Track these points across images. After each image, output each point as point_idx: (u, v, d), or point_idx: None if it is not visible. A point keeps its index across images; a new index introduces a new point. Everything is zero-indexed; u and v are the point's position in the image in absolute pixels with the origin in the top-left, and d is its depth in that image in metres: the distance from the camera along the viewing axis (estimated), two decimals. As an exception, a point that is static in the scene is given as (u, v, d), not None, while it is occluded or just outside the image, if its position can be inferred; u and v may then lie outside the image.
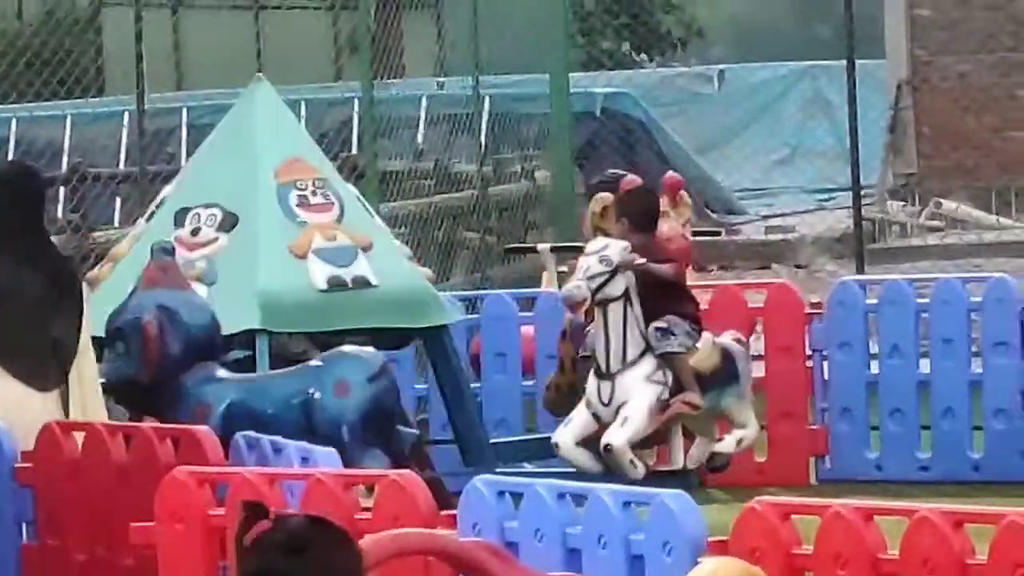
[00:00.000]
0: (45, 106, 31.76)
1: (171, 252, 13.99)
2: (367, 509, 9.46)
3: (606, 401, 13.71)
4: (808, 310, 16.70)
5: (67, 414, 11.96)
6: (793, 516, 8.44)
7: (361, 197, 15.45)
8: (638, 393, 13.90)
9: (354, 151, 27.51)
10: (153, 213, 15.58)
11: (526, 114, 27.17)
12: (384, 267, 14.59)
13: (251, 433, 11.56)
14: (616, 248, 14.33)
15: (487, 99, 25.67)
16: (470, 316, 16.90)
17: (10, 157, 29.02)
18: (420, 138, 29.14)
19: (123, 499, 10.67)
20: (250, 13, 35.96)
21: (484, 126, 25.67)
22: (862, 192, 24.83)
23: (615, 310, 14.21)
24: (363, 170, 21.23)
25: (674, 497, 8.71)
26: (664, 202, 14.67)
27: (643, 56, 42.52)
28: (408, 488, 9.37)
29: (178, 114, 27.91)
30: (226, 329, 14.34)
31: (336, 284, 14.23)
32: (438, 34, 32.83)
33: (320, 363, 13.31)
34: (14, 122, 31.15)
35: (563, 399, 15.07)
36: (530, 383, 17.02)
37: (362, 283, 14.32)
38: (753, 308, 15.95)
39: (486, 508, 9.01)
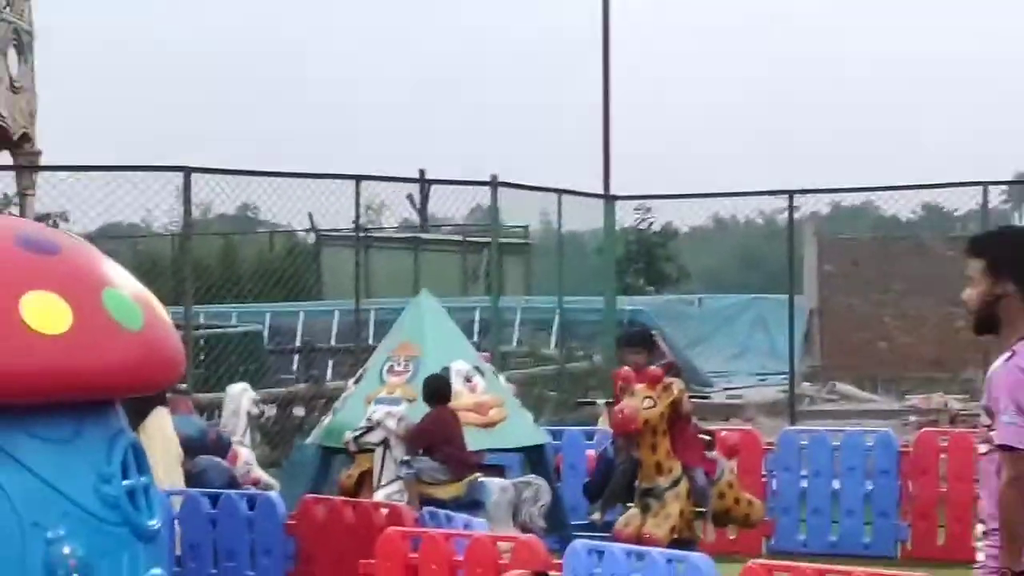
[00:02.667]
0: (286, 306, 31.95)
1: (180, 391, 14.17)
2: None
3: None
4: (764, 446, 16.73)
5: None
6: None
7: (476, 368, 15.20)
8: None
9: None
10: (359, 377, 15.64)
11: (587, 320, 27.39)
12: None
13: (434, 509, 11.62)
14: (380, 411, 13.93)
15: (560, 311, 25.89)
16: (556, 442, 16.68)
17: (266, 339, 29.05)
18: (518, 334, 29.36)
19: (354, 545, 10.71)
20: (412, 251, 35.94)
21: (560, 327, 25.88)
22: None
23: (377, 451, 13.76)
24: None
25: (699, 558, 8.75)
26: (643, 388, 13.33)
27: (652, 288, 42.54)
28: (532, 546, 9.40)
29: (370, 312, 27.76)
30: (314, 441, 15.34)
31: (372, 420, 14.02)
32: (527, 270, 32.99)
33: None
34: (268, 315, 31.27)
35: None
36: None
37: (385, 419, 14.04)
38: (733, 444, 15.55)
39: (581, 561, 9.01)
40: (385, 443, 13.80)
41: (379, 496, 13.12)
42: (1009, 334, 6.98)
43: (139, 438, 11.57)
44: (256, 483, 14.91)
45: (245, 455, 15.32)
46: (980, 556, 7.17)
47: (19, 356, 9.15)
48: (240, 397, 15.42)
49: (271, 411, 16.54)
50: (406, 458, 13.73)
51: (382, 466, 13.78)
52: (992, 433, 6.95)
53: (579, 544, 9.28)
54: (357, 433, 13.97)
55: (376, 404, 14.23)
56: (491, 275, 23.63)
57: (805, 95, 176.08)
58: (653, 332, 16.44)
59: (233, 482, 14.17)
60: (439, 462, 13.81)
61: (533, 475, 14.69)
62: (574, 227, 25.06)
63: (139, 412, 12.36)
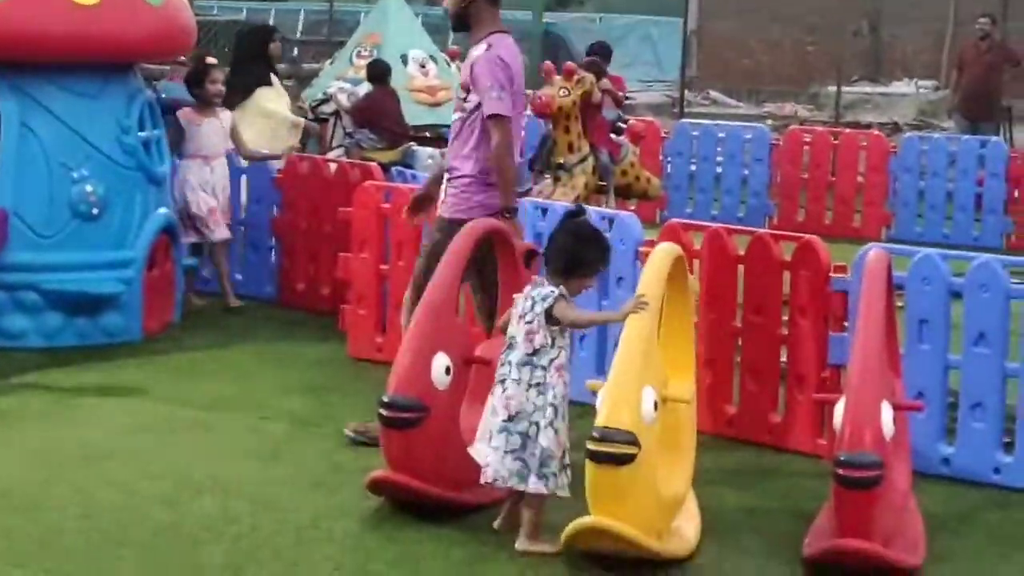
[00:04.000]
0: (259, 4, 31.32)
1: (181, 63, 13.13)
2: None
3: None
4: (662, 135, 16.48)
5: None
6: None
7: (430, 57, 14.79)
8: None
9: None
10: (333, 60, 15.24)
11: (516, 30, 26.94)
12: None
13: (401, 168, 11.31)
14: (334, 87, 13.63)
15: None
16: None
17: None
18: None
19: (330, 197, 10.38)
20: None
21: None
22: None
23: (330, 120, 13.44)
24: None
25: (628, 216, 8.55)
26: (560, 79, 12.91)
27: (560, 6, 41.86)
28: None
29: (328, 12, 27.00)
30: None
31: (327, 94, 13.65)
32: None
33: None
34: (244, 10, 30.57)
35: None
36: (520, 159, 16.54)
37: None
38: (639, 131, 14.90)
39: (528, 217, 8.58)
40: (336, 114, 13.52)
41: (331, 155, 12.74)
42: (478, 31, 7.15)
43: (239, 113, 11.36)
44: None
45: None
46: (442, 195, 7.36)
47: (56, 21, 9.05)
48: None
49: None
50: (350, 130, 13.42)
51: (332, 132, 13.53)
52: (466, 104, 7.11)
53: (527, 202, 8.97)
54: (314, 103, 13.68)
55: (341, 82, 13.87)
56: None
57: None
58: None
59: None
60: (376, 134, 13.50)
61: None
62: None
63: (244, 91, 11.93)
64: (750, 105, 32.58)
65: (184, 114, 10.60)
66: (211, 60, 10.78)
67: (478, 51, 7.09)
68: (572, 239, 6.20)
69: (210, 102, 10.61)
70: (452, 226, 7.00)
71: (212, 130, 10.61)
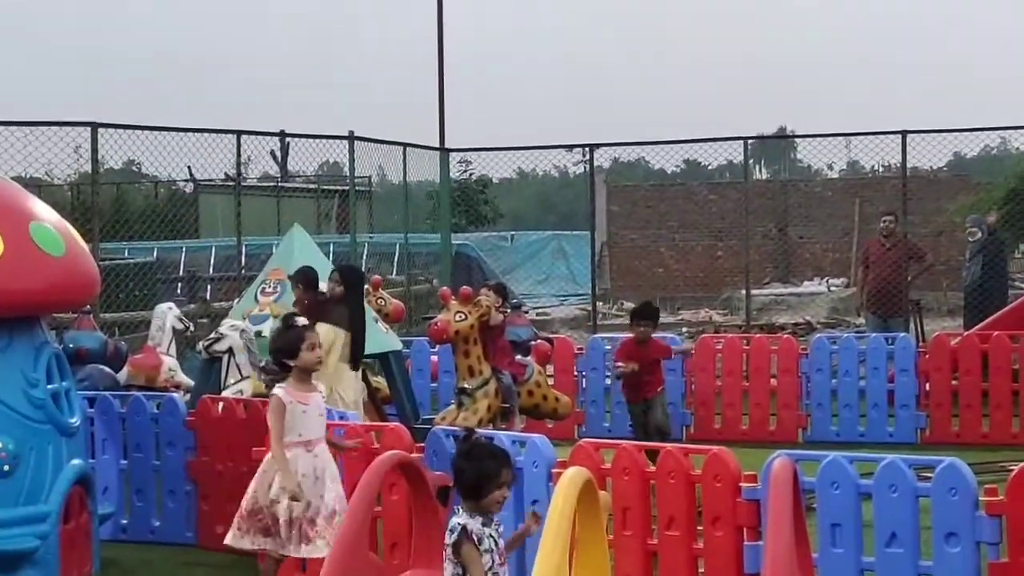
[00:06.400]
0: (169, 243, 31.44)
1: (84, 311, 13.81)
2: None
3: None
4: (575, 351, 16.62)
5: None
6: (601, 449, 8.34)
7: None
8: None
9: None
10: (241, 298, 15.26)
11: (424, 252, 27.28)
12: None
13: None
14: (226, 325, 13.42)
15: (405, 245, 25.54)
16: (406, 350, 16.28)
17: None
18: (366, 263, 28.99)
19: (244, 437, 10.41)
20: (274, 198, 35.36)
21: (405, 258, 25.57)
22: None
23: (224, 358, 13.18)
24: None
25: (539, 439, 8.60)
26: (456, 303, 12.92)
27: (471, 227, 42.25)
28: (399, 432, 9.18)
29: (243, 247, 27.21)
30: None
31: (219, 332, 13.56)
32: (370, 212, 32.55)
33: None
34: (155, 251, 30.67)
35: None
36: (435, 384, 16.78)
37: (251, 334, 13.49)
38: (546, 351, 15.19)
39: (441, 444, 8.82)
40: (230, 351, 13.49)
41: (226, 394, 12.73)
42: None
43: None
44: (178, 387, 14.47)
45: (169, 363, 14.89)
46: None
47: (-44, 280, 9.06)
48: (166, 314, 15.02)
49: (193, 326, 16.11)
50: (262, 364, 13.31)
51: (227, 369, 13.48)
52: None
53: (439, 430, 9.10)
54: (207, 343, 13.65)
55: (232, 319, 13.87)
56: (349, 216, 23.03)
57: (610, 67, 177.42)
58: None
59: (115, 386, 13.72)
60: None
61: None
62: (408, 176, 24.43)
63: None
64: (665, 313, 32.95)
65: (288, 393, 8.91)
66: (301, 320, 9.39)
67: None
68: (468, 460, 6.30)
69: (309, 373, 9.11)
70: None
71: (316, 408, 9.03)
